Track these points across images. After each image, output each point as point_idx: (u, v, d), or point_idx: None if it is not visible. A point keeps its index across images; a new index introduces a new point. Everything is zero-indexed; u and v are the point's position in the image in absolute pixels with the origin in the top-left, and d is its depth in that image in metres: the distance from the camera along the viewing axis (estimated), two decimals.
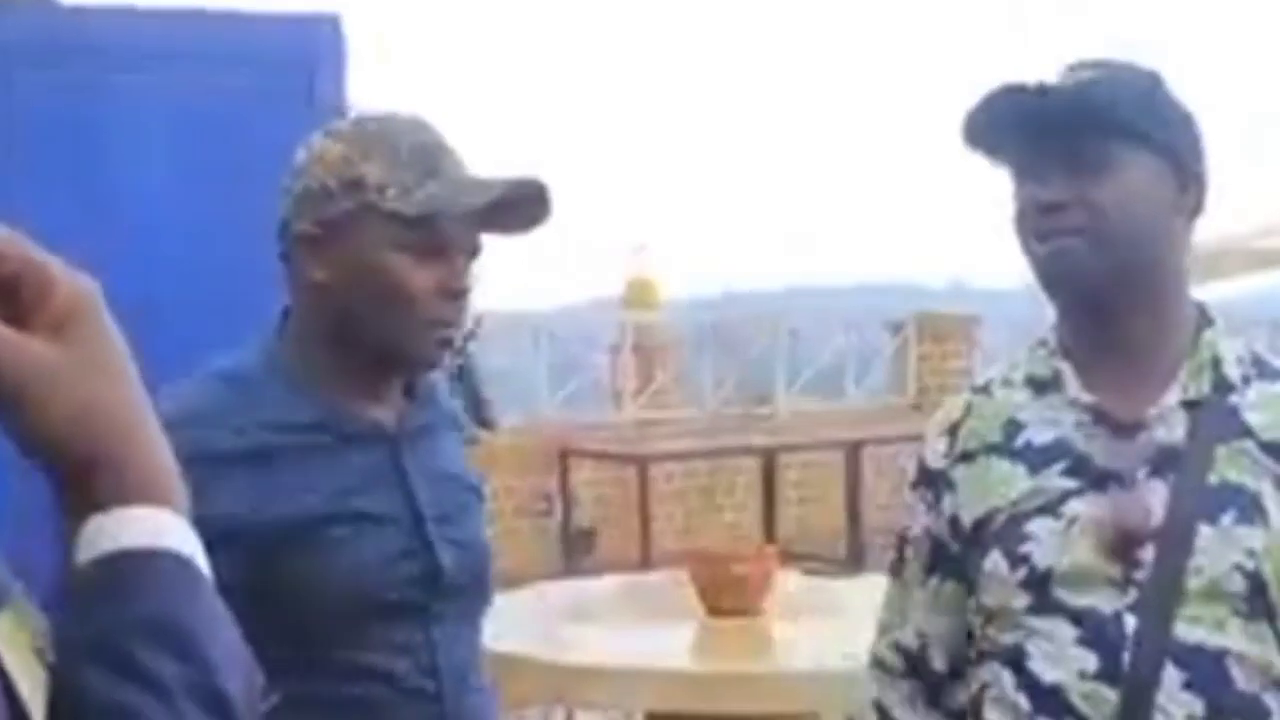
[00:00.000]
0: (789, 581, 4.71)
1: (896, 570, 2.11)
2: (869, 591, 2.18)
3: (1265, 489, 1.88)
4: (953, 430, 2.04)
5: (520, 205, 2.06)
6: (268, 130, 4.12)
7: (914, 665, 2.08)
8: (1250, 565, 1.85)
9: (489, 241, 2.10)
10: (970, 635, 2.02)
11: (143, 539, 0.88)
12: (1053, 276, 1.93)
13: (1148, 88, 1.94)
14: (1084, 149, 1.88)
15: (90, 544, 0.87)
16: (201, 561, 0.91)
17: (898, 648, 2.09)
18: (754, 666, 4.18)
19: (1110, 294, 1.92)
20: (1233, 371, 1.94)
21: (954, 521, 2.00)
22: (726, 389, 13.20)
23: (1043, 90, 1.90)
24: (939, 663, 2.06)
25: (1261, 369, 1.96)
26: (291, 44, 4.17)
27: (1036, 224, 1.91)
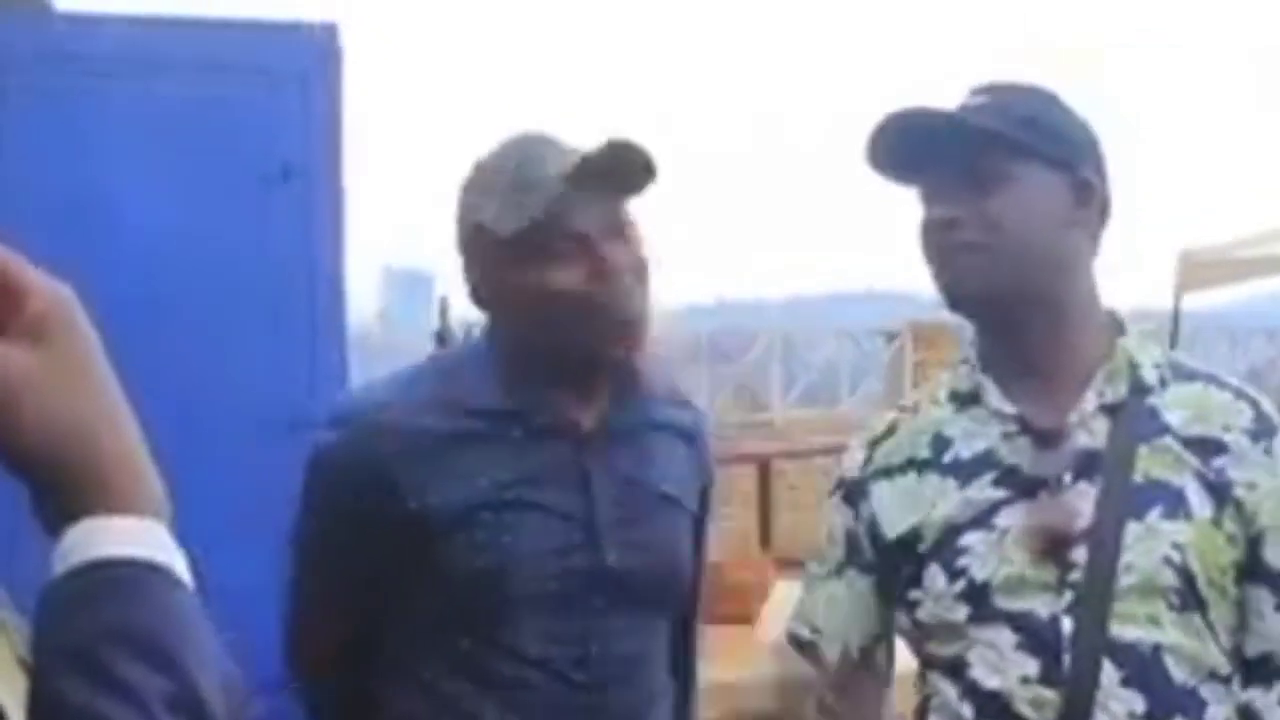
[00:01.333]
0: (785, 588, 4.72)
1: (817, 561, 2.14)
2: None
3: (1188, 484, 1.91)
4: (873, 444, 2.09)
5: (612, 169, 2.05)
6: (263, 138, 4.14)
7: (808, 654, 2.14)
8: (1178, 559, 1.88)
9: None
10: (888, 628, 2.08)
11: (117, 548, 0.86)
12: (955, 292, 1.95)
13: (1041, 106, 1.97)
14: (976, 166, 1.91)
15: (66, 555, 0.86)
16: (180, 568, 0.90)
17: (793, 637, 2.15)
18: (749, 672, 4.19)
19: (1013, 305, 1.94)
20: (1150, 375, 1.97)
21: (871, 529, 2.05)
22: (722, 397, 13.22)
23: (938, 112, 1.93)
24: (832, 654, 2.11)
25: (1177, 371, 2.00)
26: (287, 53, 4.19)
27: (935, 240, 1.94)
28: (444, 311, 5.39)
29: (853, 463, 2.10)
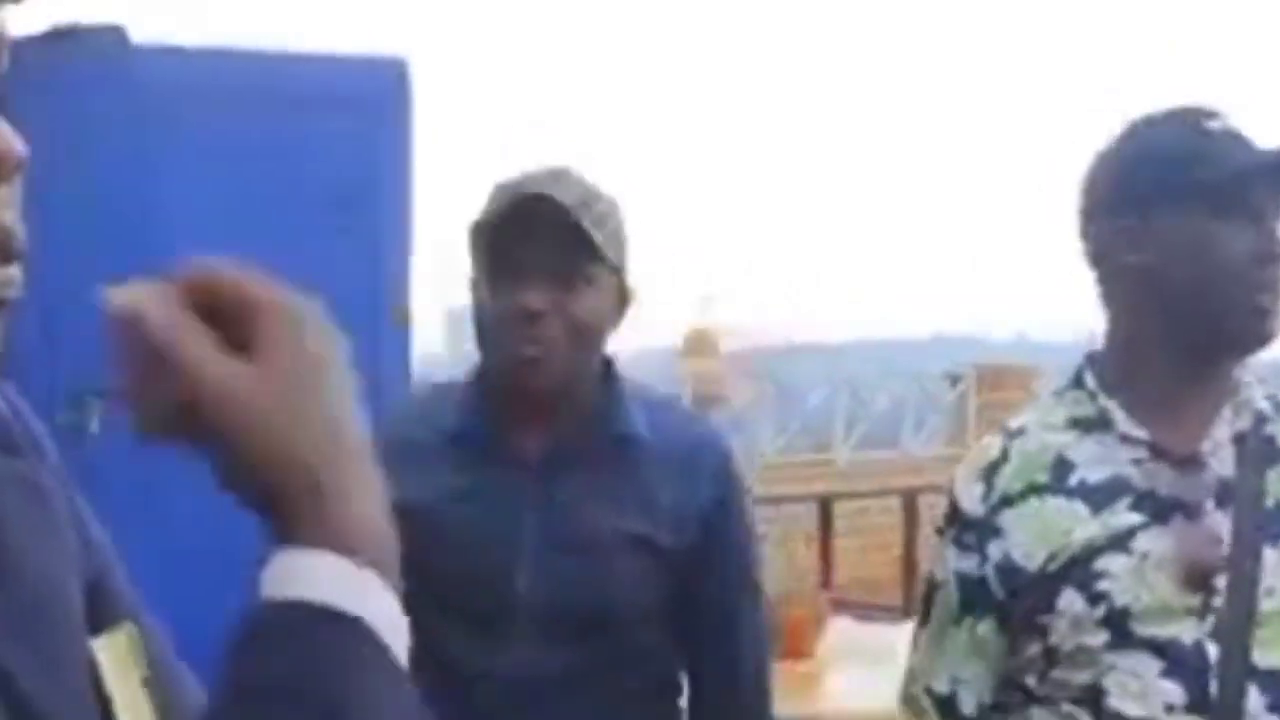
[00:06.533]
0: (841, 626, 4.72)
1: (926, 615, 2.12)
2: None
3: None
4: (989, 474, 2.04)
5: (527, 218, 2.14)
6: (332, 171, 4.19)
7: (944, 709, 2.08)
8: None
9: None
10: (1012, 681, 2.03)
11: (317, 592, 0.79)
12: (1268, 329, 1.98)
13: None
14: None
15: (270, 582, 0.80)
16: (389, 628, 0.81)
17: (929, 692, 2.10)
18: (806, 709, 4.19)
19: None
20: (1263, 404, 2.01)
21: (1005, 568, 2.00)
22: (786, 437, 13.21)
23: None
24: (969, 707, 2.06)
25: (1276, 400, 2.03)
26: (357, 87, 4.24)
27: (1267, 276, 1.96)
28: None
29: (971, 497, 2.04)
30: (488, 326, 2.19)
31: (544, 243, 2.12)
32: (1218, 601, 1.90)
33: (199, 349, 0.80)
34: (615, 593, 2.20)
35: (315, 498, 0.81)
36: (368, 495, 0.84)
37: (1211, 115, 1.99)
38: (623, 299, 2.22)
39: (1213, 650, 1.89)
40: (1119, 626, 1.92)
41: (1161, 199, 1.97)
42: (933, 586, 2.10)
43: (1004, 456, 2.04)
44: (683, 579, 2.23)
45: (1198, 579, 1.91)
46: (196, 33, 4.57)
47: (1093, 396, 2.02)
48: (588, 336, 2.17)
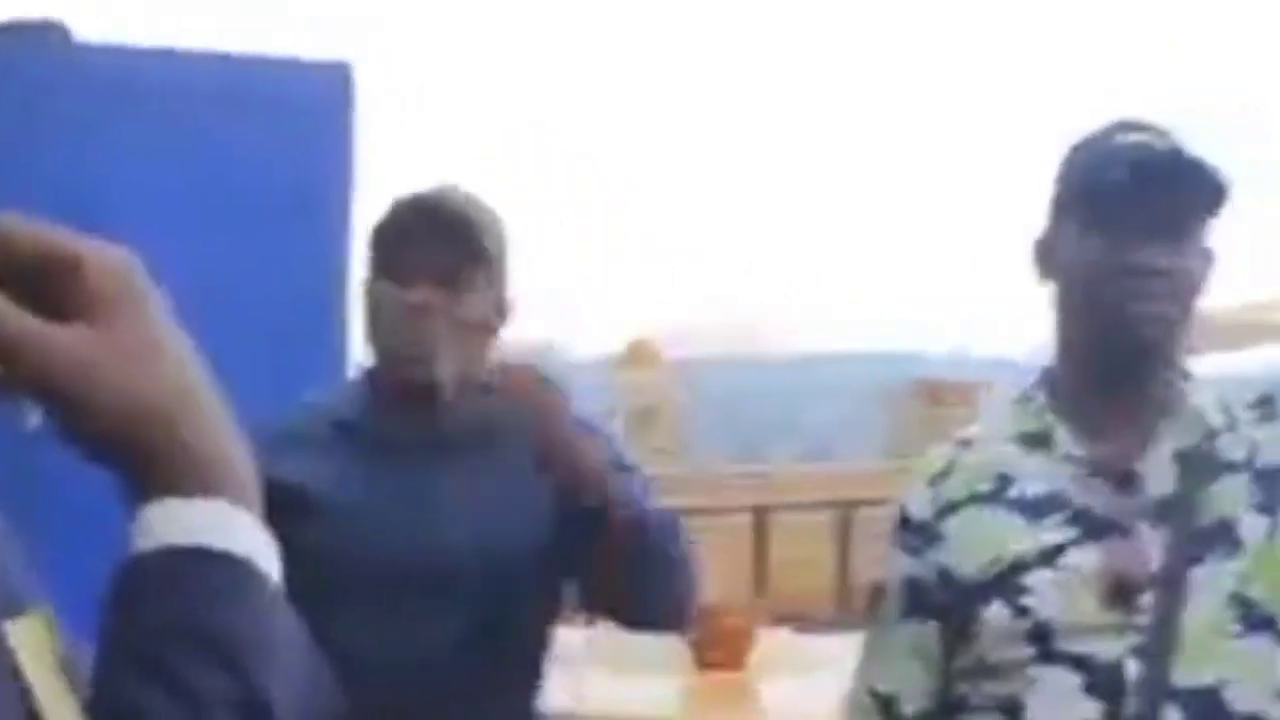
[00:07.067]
0: (775, 637, 4.73)
1: (874, 617, 2.14)
2: (854, 649, 2.21)
3: (1242, 516, 1.95)
4: (936, 481, 2.07)
5: (427, 224, 2.33)
6: (274, 173, 4.17)
7: (886, 710, 2.10)
8: (1240, 592, 1.92)
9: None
10: (951, 686, 2.04)
11: (192, 536, 0.81)
12: (1127, 339, 1.97)
13: (1221, 172, 1.98)
14: (1181, 218, 1.95)
15: (141, 537, 0.82)
16: (262, 556, 0.84)
17: (873, 693, 2.12)
18: (737, 719, 4.20)
19: (1161, 362, 2.00)
20: (1215, 419, 2.01)
21: (945, 573, 2.03)
22: (723, 449, 13.23)
23: (1184, 158, 1.95)
24: (909, 709, 2.08)
25: (1232, 414, 2.03)
26: (300, 91, 4.22)
27: (1131, 285, 1.94)
28: None
29: (918, 503, 2.08)
30: (377, 324, 2.38)
31: (432, 246, 2.31)
32: (1142, 620, 1.91)
33: (19, 321, 0.80)
34: (494, 569, 2.32)
35: (177, 445, 0.82)
36: (223, 433, 0.85)
37: (1134, 129, 1.99)
38: (502, 309, 2.40)
39: (1133, 668, 1.90)
40: (1043, 641, 1.94)
41: (1057, 211, 2.02)
42: (880, 590, 2.12)
43: (951, 465, 2.08)
44: (570, 543, 2.30)
45: (1121, 596, 1.92)
46: (140, 32, 4.54)
47: (1040, 411, 2.04)
48: (470, 335, 2.33)
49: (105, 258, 0.84)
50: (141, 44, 4.12)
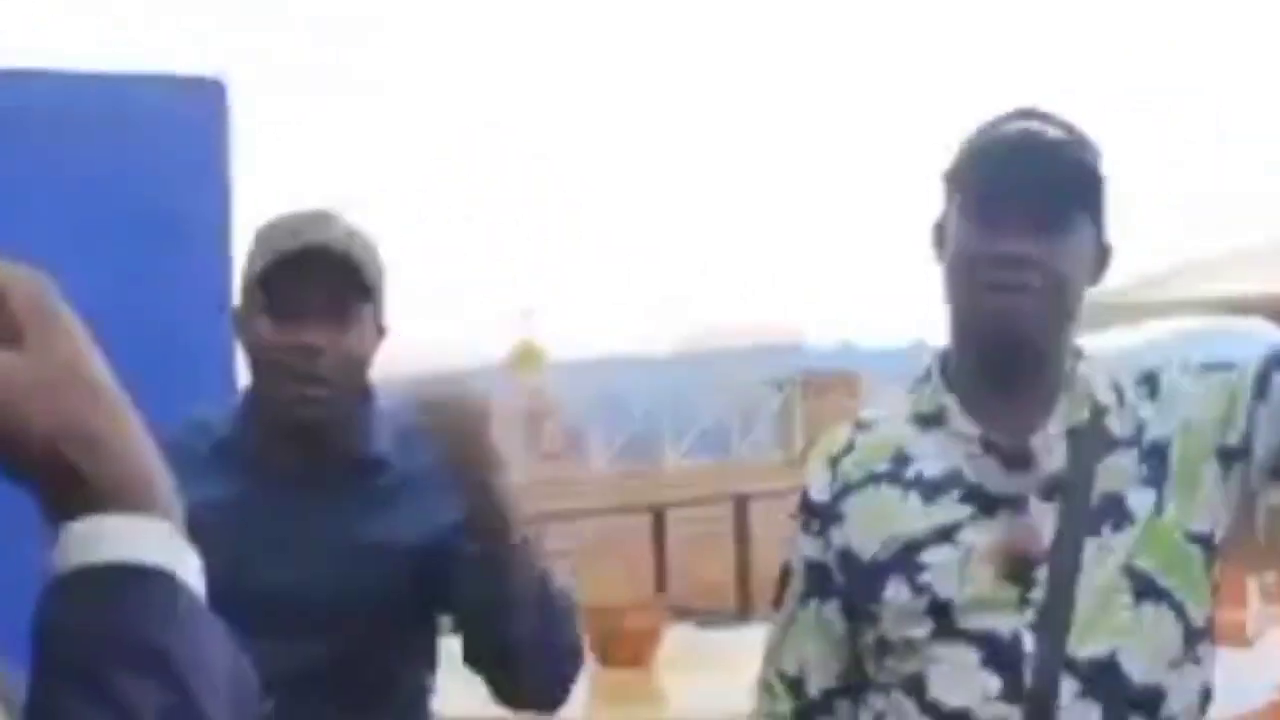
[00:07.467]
0: (679, 634, 4.74)
1: (779, 600, 2.15)
2: (757, 643, 2.22)
3: (1131, 490, 1.98)
4: (834, 463, 2.09)
5: (304, 264, 2.27)
6: (148, 191, 4.12)
7: (793, 690, 2.12)
8: (1131, 563, 1.95)
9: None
10: (858, 663, 2.06)
11: (117, 551, 0.82)
12: (997, 328, 1.98)
13: (1098, 157, 2.01)
14: (1052, 207, 1.96)
15: (65, 554, 0.82)
16: (187, 570, 0.85)
17: (780, 674, 2.13)
18: (644, 716, 4.20)
19: (1038, 351, 2.01)
20: (1105, 397, 2.03)
21: (845, 553, 2.05)
22: (615, 449, 13.25)
23: (1056, 144, 1.98)
24: (815, 689, 2.10)
25: (1121, 391, 2.05)
26: (171, 107, 4.17)
27: (995, 275, 1.96)
28: None
29: (818, 485, 2.09)
30: (265, 362, 2.33)
31: (320, 284, 2.27)
32: (1038, 594, 1.94)
33: None
34: (357, 595, 2.31)
35: (103, 464, 0.83)
36: (146, 450, 0.86)
37: (1026, 117, 2.01)
38: (381, 331, 2.38)
39: (1030, 641, 1.93)
40: (942, 618, 1.96)
41: (947, 197, 2.04)
42: (786, 572, 2.14)
43: (850, 446, 2.10)
44: (437, 579, 2.29)
45: (1016, 571, 1.95)
46: (6, 52, 4.47)
47: (936, 392, 2.05)
48: (358, 369, 2.34)
49: (25, 282, 0.85)
50: (8, 66, 4.06)
